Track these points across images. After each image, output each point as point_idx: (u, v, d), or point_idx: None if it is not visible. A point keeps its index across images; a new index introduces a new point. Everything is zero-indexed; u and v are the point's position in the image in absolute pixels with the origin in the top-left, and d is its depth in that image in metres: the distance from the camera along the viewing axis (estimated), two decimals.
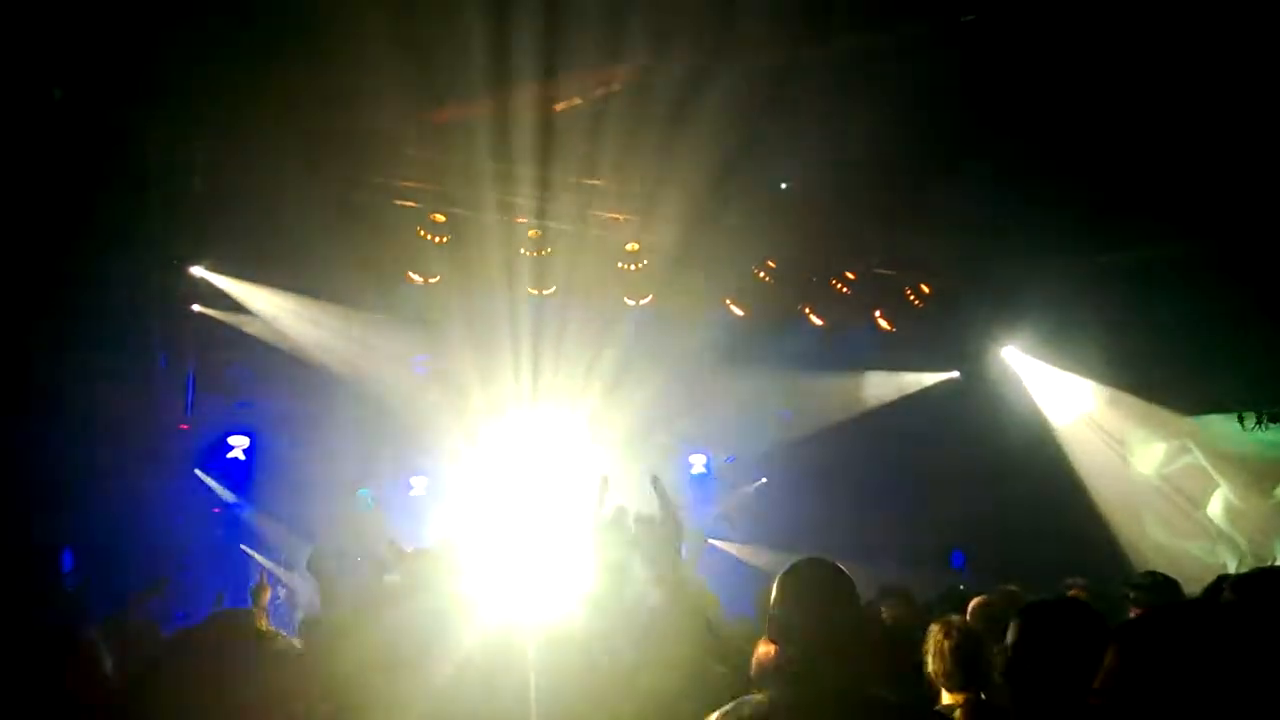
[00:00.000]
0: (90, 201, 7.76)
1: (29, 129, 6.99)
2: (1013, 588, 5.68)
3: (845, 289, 10.79)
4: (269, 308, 9.41)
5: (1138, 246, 10.50)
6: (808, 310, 10.84)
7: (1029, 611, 2.93)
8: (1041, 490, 11.25)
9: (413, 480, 11.91)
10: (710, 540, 11.77)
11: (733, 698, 2.39)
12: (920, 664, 3.73)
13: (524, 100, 8.28)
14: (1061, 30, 7.83)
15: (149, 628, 5.95)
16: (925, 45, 8.10)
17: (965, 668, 3.63)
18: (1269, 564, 10.78)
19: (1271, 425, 11.82)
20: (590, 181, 9.46)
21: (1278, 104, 8.06)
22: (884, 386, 12.57)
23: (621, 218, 9.73)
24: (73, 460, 8.85)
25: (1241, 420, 11.96)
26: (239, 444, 11.03)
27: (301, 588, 10.60)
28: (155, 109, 7.47)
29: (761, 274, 10.35)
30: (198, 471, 10.75)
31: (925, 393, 12.53)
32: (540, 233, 9.43)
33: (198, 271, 8.67)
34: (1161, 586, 5.21)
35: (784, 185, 9.98)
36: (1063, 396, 11.99)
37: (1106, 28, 7.78)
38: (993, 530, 11.19)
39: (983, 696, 3.56)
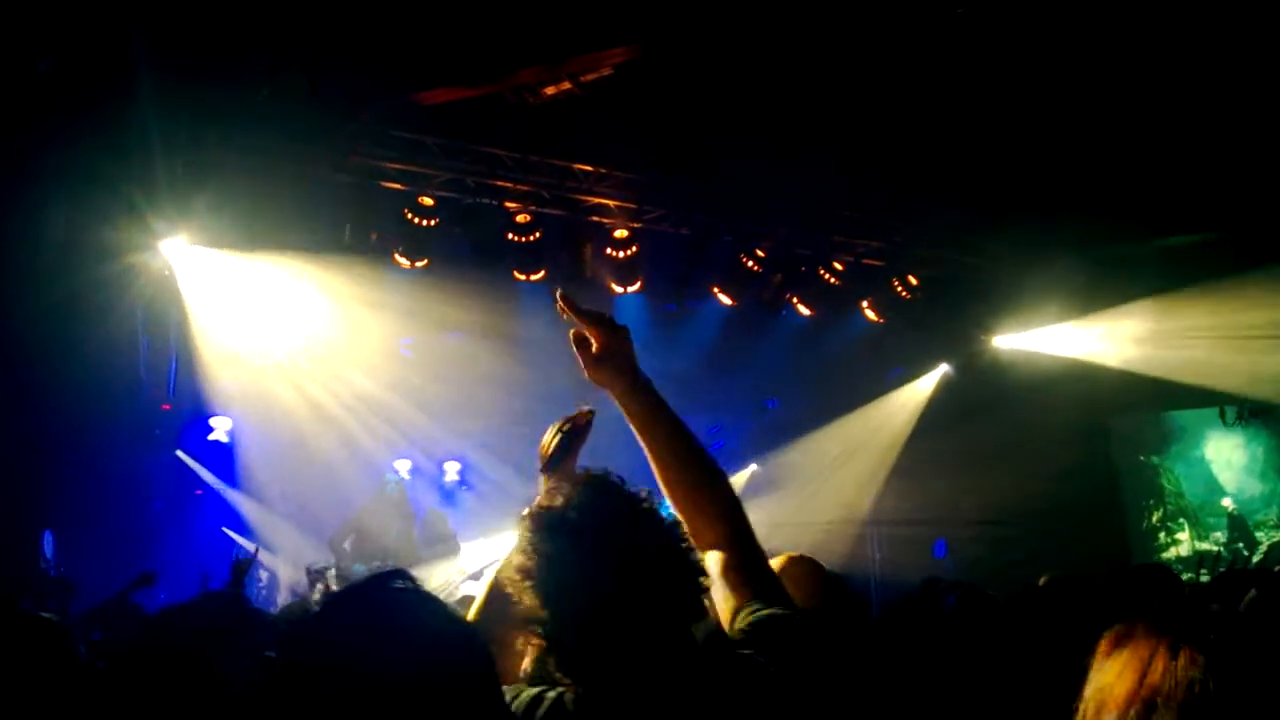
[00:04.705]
0: (70, 178, 7.64)
1: (12, 100, 6.85)
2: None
3: (834, 279, 10.77)
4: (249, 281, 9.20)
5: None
6: (795, 300, 10.82)
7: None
8: (1032, 482, 11.29)
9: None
10: None
11: None
12: None
13: (515, 83, 8.20)
14: (1053, 31, 7.87)
15: (135, 611, 5.93)
16: (913, 38, 8.10)
17: None
18: None
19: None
20: (581, 167, 9.40)
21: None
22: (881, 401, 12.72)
23: (612, 203, 9.67)
24: (54, 442, 8.74)
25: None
26: (221, 426, 10.92)
27: (283, 572, 10.56)
28: (140, 88, 7.33)
29: (750, 263, 10.31)
30: (179, 453, 10.64)
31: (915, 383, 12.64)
32: (529, 217, 9.35)
33: (173, 245, 8.43)
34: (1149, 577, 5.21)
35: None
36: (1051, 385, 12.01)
37: (1092, 31, 7.84)
38: (978, 518, 11.27)
39: None
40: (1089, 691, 1.45)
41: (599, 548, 1.53)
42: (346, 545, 9.53)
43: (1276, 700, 1.23)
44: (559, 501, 1.59)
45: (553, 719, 1.49)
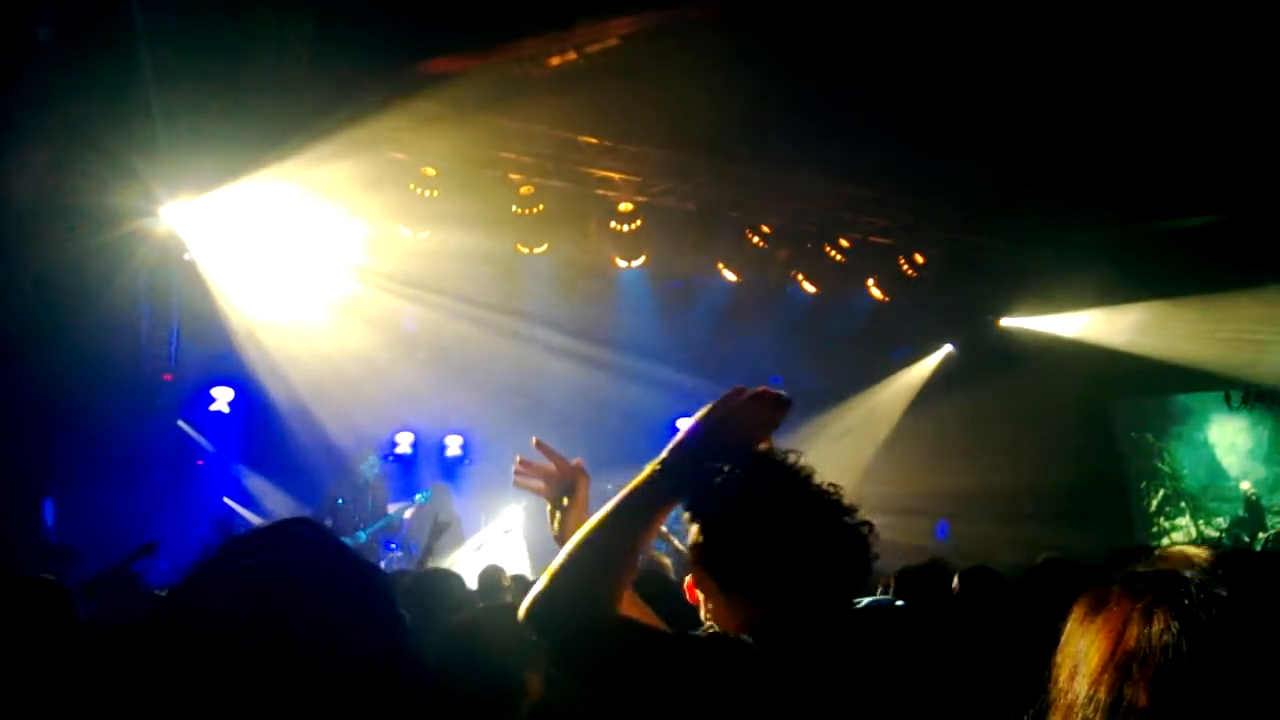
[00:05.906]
0: (70, 143, 7.57)
1: (14, 69, 6.78)
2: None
3: (839, 256, 10.68)
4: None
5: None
6: (800, 277, 10.75)
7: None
8: (1036, 462, 11.26)
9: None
10: None
11: None
12: None
13: (518, 53, 8.10)
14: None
15: (134, 580, 5.91)
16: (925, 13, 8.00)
17: None
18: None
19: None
20: (585, 139, 9.29)
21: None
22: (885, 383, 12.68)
23: (618, 176, 9.57)
24: (55, 411, 8.73)
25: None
26: (223, 396, 10.88)
27: None
28: (142, 55, 7.25)
29: (755, 239, 10.23)
30: (181, 423, 10.61)
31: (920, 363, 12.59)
32: (533, 189, 9.26)
33: (175, 211, 8.37)
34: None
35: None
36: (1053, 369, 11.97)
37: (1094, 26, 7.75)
38: (978, 500, 11.24)
39: None
40: (1060, 657, 1.40)
41: (826, 514, 1.74)
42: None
43: (1250, 664, 1.20)
44: (789, 475, 1.77)
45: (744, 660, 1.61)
